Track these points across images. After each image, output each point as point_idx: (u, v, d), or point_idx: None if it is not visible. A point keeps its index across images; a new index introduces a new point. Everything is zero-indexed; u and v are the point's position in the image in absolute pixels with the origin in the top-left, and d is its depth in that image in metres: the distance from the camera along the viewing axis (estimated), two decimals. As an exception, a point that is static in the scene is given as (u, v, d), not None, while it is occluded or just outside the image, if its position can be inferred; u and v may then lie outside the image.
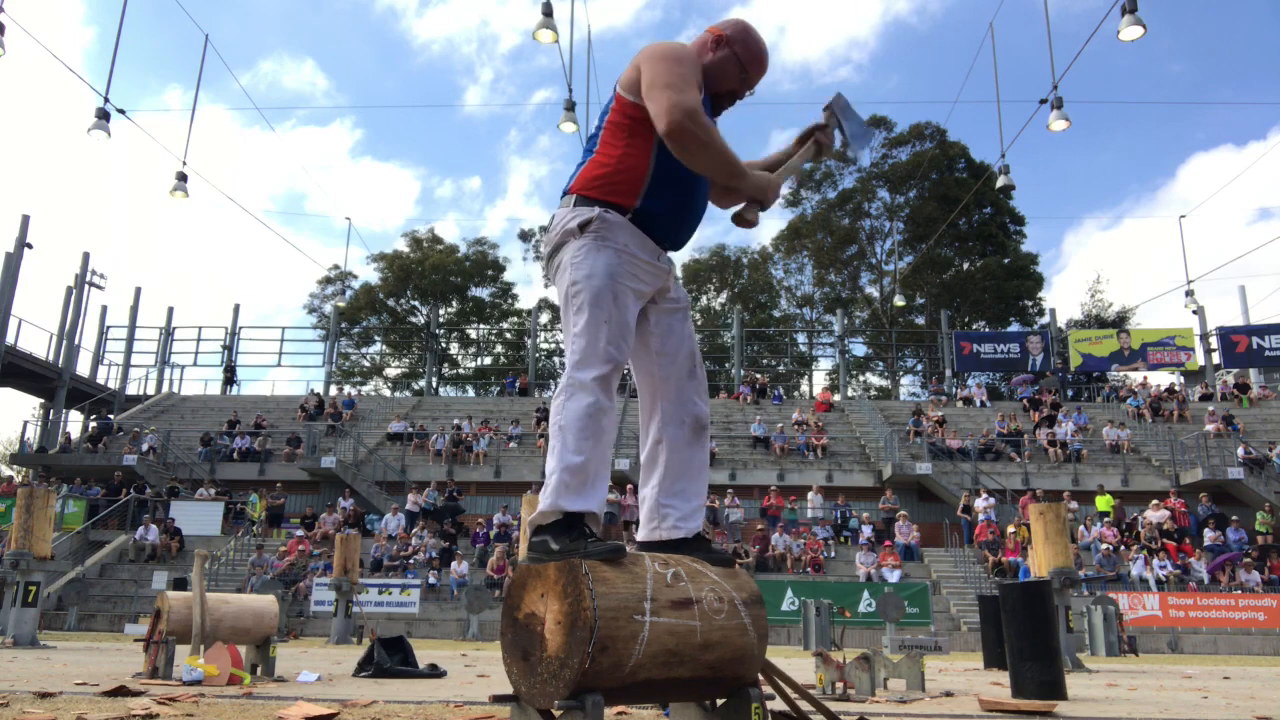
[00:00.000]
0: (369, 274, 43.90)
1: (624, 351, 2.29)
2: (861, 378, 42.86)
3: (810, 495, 21.30)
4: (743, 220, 2.43)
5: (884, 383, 42.37)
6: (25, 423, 42.30)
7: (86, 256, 30.14)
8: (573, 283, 2.31)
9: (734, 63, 2.48)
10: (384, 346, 43.05)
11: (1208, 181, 63.07)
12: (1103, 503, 20.48)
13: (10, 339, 25.71)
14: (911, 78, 63.96)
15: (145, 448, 23.46)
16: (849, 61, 66.96)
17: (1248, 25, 57.73)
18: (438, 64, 70.63)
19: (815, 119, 2.65)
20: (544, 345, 40.15)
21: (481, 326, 44.14)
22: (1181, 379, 29.39)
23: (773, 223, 43.95)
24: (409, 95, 71.40)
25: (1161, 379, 29.47)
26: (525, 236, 44.92)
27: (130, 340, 31.31)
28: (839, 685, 4.43)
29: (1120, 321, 38.87)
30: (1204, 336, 29.45)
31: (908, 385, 40.47)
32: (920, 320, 41.99)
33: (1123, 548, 18.55)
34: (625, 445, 22.31)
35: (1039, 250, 75.06)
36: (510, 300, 44.71)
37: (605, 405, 2.23)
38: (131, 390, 31.05)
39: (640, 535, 2.47)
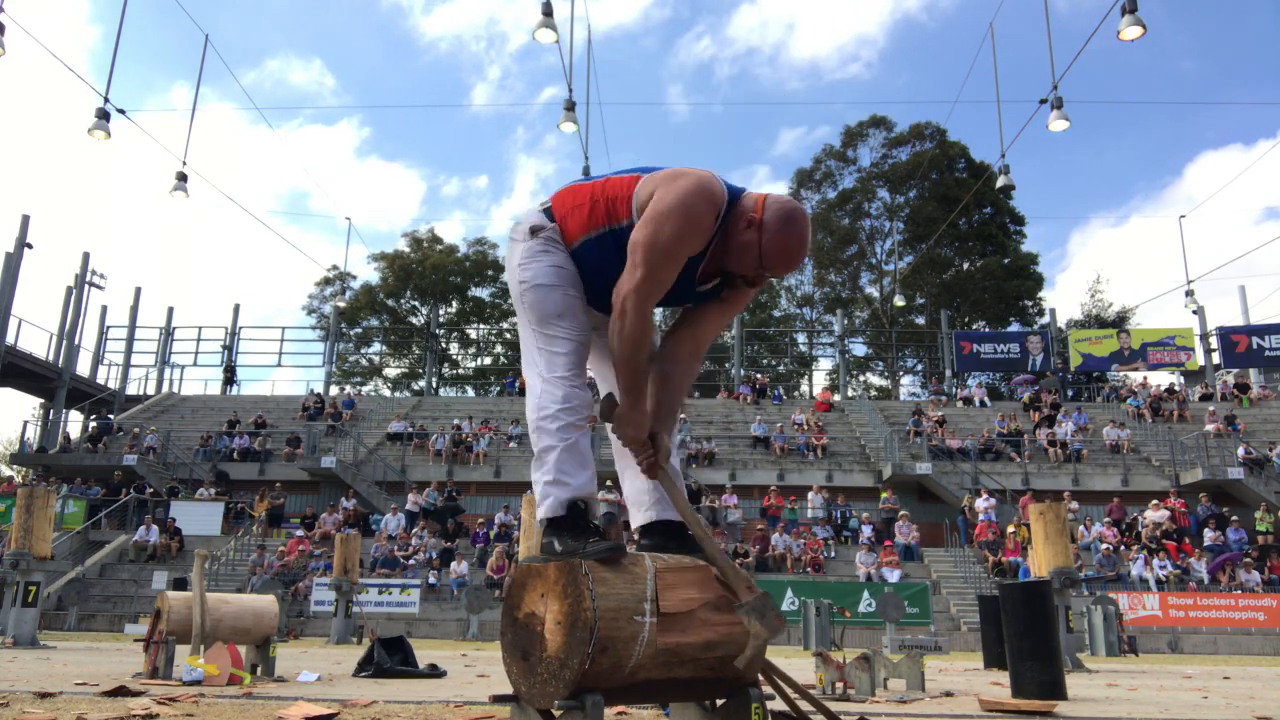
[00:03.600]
0: (370, 274, 43.98)
1: (581, 338, 2.35)
2: (861, 378, 42.86)
3: (810, 495, 21.30)
4: (600, 417, 2.38)
5: (884, 383, 42.37)
6: (25, 423, 42.35)
7: (86, 256, 30.18)
8: (521, 280, 2.38)
9: (754, 252, 2.25)
10: (384, 346, 43.04)
11: (1215, 180, 63.03)
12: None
13: (10, 339, 25.72)
14: (919, 77, 63.95)
15: (145, 447, 23.47)
16: (858, 59, 66.98)
17: (1259, 23, 57.72)
18: (445, 62, 70.62)
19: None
20: (544, 345, 40.11)
21: (481, 326, 44.14)
22: (1181, 379, 29.39)
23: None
24: (416, 93, 71.34)
25: (1161, 379, 29.49)
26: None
27: (130, 340, 31.32)
28: (839, 685, 4.43)
29: (1120, 321, 38.87)
30: (1204, 336, 29.45)
31: (908, 385, 40.50)
32: (920, 320, 41.99)
33: (1123, 548, 18.55)
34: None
35: (1045, 250, 75.27)
36: (510, 300, 44.68)
37: (572, 394, 2.28)
38: (131, 390, 31.07)
39: (634, 522, 2.50)
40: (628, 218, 2.29)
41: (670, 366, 2.43)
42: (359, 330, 43.29)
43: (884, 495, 21.24)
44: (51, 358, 28.02)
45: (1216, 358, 29.37)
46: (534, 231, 2.40)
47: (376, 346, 43.41)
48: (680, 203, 2.18)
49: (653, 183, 2.28)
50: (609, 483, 14.83)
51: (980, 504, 20.00)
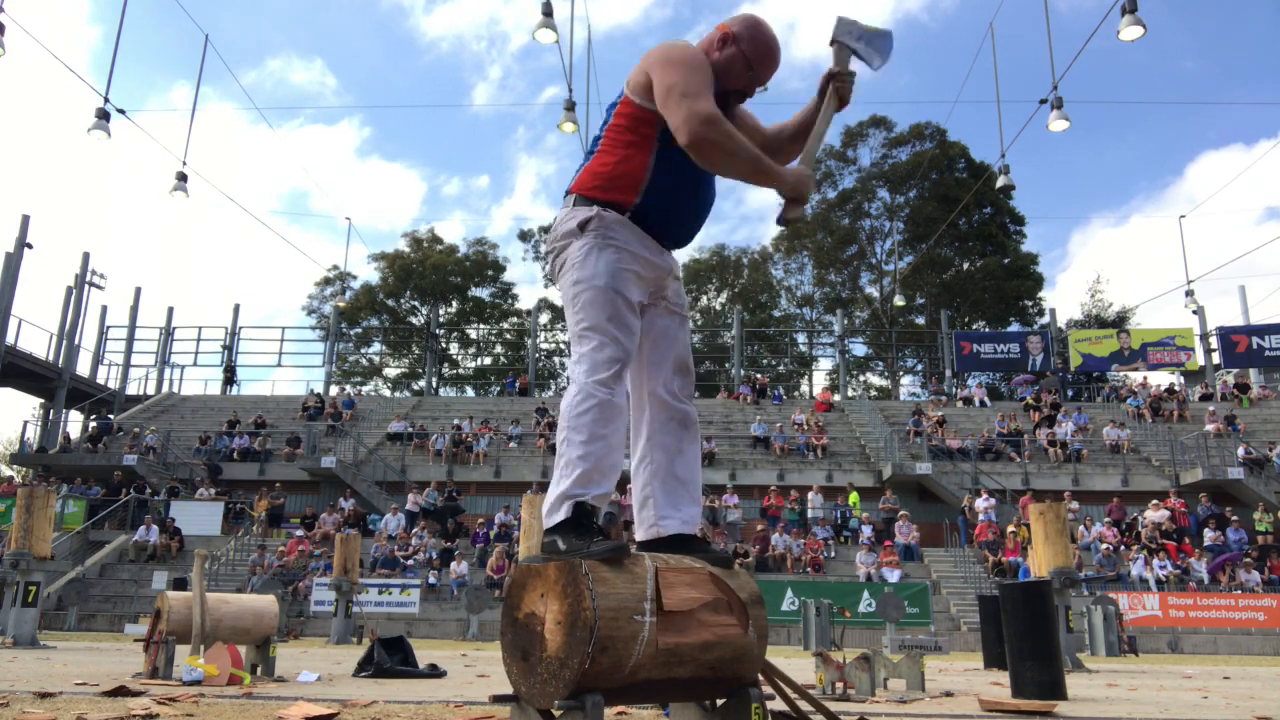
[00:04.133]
0: (370, 274, 43.98)
1: (627, 348, 2.31)
2: (861, 378, 42.87)
3: (810, 495, 21.30)
4: (786, 222, 2.39)
5: (884, 383, 42.38)
6: (25, 423, 42.33)
7: (86, 256, 30.18)
8: (575, 282, 2.33)
9: (741, 60, 2.42)
10: (384, 347, 43.04)
11: (1217, 180, 63.10)
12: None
13: (10, 339, 25.72)
14: (920, 77, 63.92)
15: (145, 447, 23.47)
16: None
17: (1261, 23, 57.72)
18: (446, 61, 70.60)
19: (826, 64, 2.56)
20: (544, 345, 40.18)
21: (481, 326, 44.14)
22: (1181, 379, 29.39)
23: (772, 223, 44.00)
24: (417, 93, 71.32)
25: (1161, 379, 29.50)
26: (525, 236, 44.96)
27: (130, 340, 31.32)
28: (839, 685, 4.43)
29: (1120, 321, 38.88)
30: (1204, 336, 29.45)
31: (908, 385, 40.50)
32: (920, 320, 42.00)
33: (1123, 548, 18.56)
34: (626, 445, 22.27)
35: (1045, 249, 75.28)
36: (510, 300, 44.69)
37: (612, 401, 2.24)
38: (131, 390, 31.07)
39: (638, 535, 2.48)
40: (647, 105, 2.35)
41: (782, 127, 2.65)
42: (359, 330, 43.30)
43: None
44: (51, 358, 28.03)
45: (1216, 358, 29.37)
46: (583, 227, 2.34)
47: (376, 346, 43.43)
48: (669, 52, 2.32)
49: (638, 72, 2.37)
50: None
51: (980, 504, 20.00)
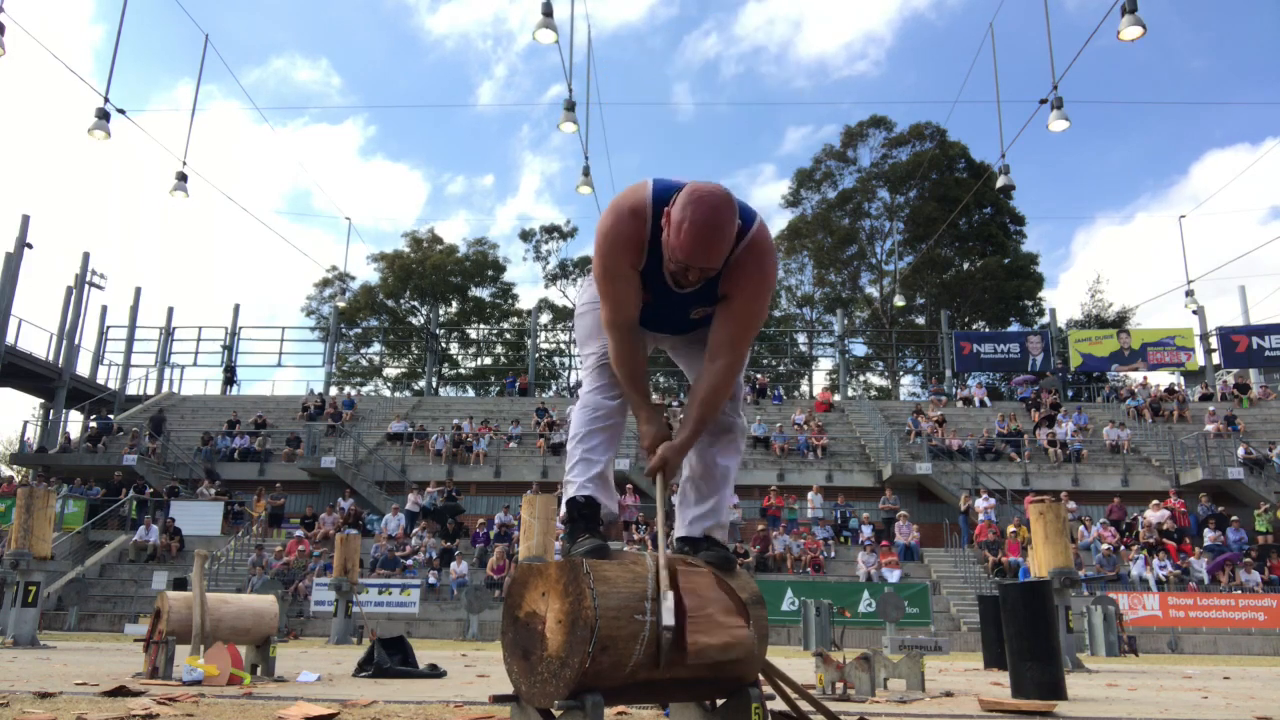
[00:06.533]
0: (370, 274, 43.96)
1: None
2: (861, 378, 42.86)
3: (810, 495, 21.30)
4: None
5: (884, 383, 42.37)
6: (25, 423, 42.30)
7: (86, 256, 30.16)
8: (576, 305, 2.66)
9: (670, 246, 2.17)
10: (383, 347, 43.03)
11: (1221, 179, 63.10)
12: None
13: (10, 339, 25.70)
14: (926, 75, 63.86)
15: (146, 447, 23.47)
16: (865, 57, 66.95)
17: (1270, 21, 57.65)
18: (451, 60, 70.57)
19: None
20: (544, 345, 40.15)
21: (481, 326, 44.12)
22: (1181, 379, 29.38)
23: (773, 223, 43.98)
24: (422, 92, 71.25)
25: (1161, 379, 29.48)
26: (526, 236, 44.90)
27: (130, 340, 31.30)
28: (839, 685, 4.43)
29: (1120, 321, 38.88)
30: (1204, 336, 29.45)
31: (908, 385, 40.49)
32: (920, 320, 41.99)
33: (1123, 548, 18.55)
34: (625, 445, 22.30)
35: (1048, 249, 75.30)
36: (510, 300, 44.68)
37: (599, 402, 2.47)
38: (131, 390, 31.04)
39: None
40: None
41: (695, 380, 2.45)
42: (359, 330, 43.28)
43: (884, 495, 21.15)
44: (51, 358, 28.01)
45: (1216, 358, 29.36)
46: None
47: (376, 347, 43.42)
48: (599, 228, 2.33)
49: None
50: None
51: (980, 504, 20.00)
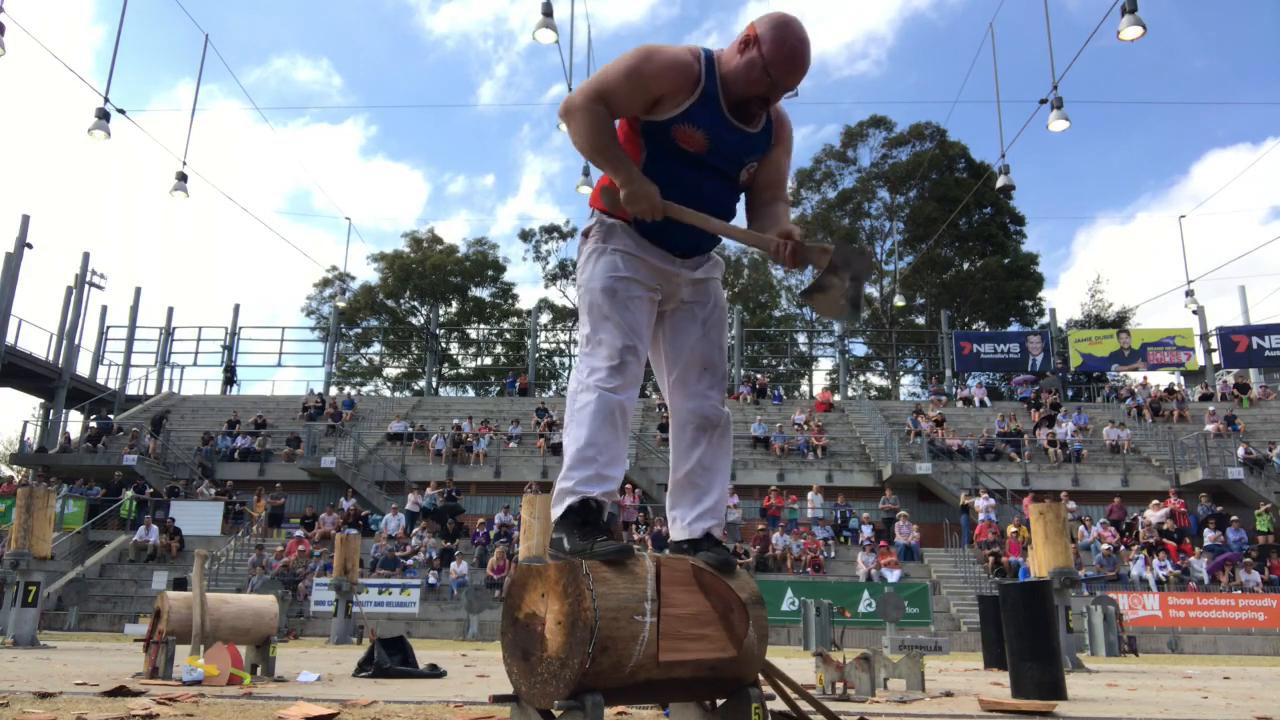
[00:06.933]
0: (370, 274, 43.96)
1: (626, 347, 2.31)
2: (861, 378, 42.87)
3: (810, 495, 21.30)
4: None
5: (884, 383, 42.38)
6: (25, 423, 42.36)
7: (86, 256, 30.17)
8: (578, 286, 2.46)
9: (759, 66, 2.28)
10: (383, 347, 43.03)
11: (1222, 179, 63.11)
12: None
13: (10, 339, 25.71)
14: (927, 75, 63.89)
15: (146, 446, 23.47)
16: (866, 56, 66.93)
17: (1272, 21, 57.70)
18: (452, 59, 70.54)
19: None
20: (544, 345, 40.16)
21: (481, 326, 44.12)
22: (1181, 379, 29.39)
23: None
24: (423, 92, 71.26)
25: (1161, 379, 29.49)
26: (526, 236, 44.90)
27: (130, 340, 31.31)
28: (839, 685, 4.43)
29: (1120, 322, 38.89)
30: (1204, 336, 29.45)
31: (908, 385, 40.51)
32: (920, 320, 42.00)
33: (1123, 548, 18.55)
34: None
35: (1049, 249, 75.30)
36: (510, 300, 44.71)
37: (610, 399, 2.27)
38: (131, 390, 31.06)
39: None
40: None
41: (754, 219, 2.54)
42: (359, 330, 43.29)
43: (884, 495, 21.14)
44: (51, 358, 28.02)
45: (1216, 358, 29.37)
46: (586, 234, 2.46)
47: (376, 347, 43.43)
48: (635, 52, 2.30)
49: None
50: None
51: (980, 504, 20.00)
